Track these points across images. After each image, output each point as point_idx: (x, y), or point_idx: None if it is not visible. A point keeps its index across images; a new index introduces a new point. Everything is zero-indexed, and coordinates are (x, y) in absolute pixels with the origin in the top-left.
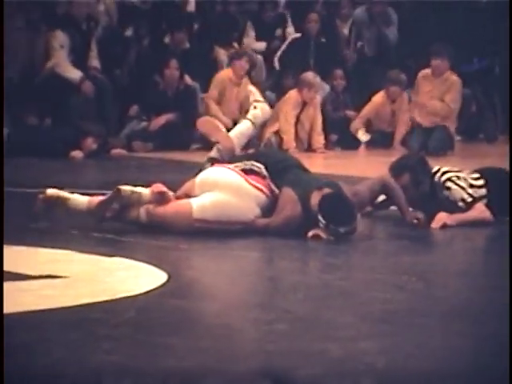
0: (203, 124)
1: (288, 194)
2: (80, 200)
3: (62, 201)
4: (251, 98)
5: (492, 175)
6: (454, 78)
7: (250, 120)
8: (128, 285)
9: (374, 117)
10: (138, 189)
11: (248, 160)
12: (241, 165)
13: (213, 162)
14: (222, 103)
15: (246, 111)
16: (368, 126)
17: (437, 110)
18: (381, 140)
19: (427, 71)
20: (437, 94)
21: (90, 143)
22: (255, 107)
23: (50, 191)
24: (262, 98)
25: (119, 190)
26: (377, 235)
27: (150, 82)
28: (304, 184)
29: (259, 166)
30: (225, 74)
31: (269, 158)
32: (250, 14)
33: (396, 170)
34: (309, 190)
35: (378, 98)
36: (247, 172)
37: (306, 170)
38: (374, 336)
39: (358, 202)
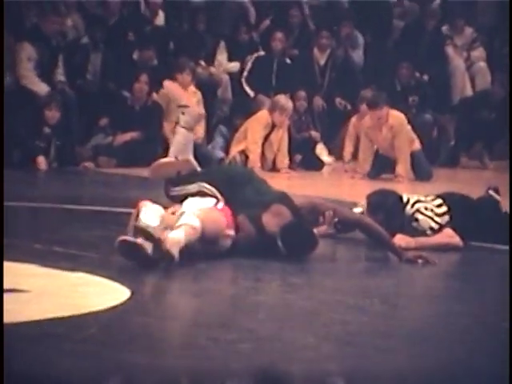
0: (156, 171)
1: (241, 221)
2: None
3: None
4: (173, 105)
5: (454, 202)
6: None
7: (183, 127)
8: (91, 300)
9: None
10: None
11: (201, 180)
12: (190, 188)
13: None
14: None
15: None
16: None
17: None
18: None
19: (368, 122)
20: (387, 142)
21: (41, 162)
22: (183, 113)
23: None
24: (185, 102)
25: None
26: (340, 257)
27: (118, 96)
28: (255, 205)
29: (209, 188)
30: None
31: (222, 175)
32: (223, 36)
33: (372, 206)
34: (259, 211)
35: (353, 119)
36: (194, 195)
37: (260, 182)
38: (335, 357)
39: (314, 211)
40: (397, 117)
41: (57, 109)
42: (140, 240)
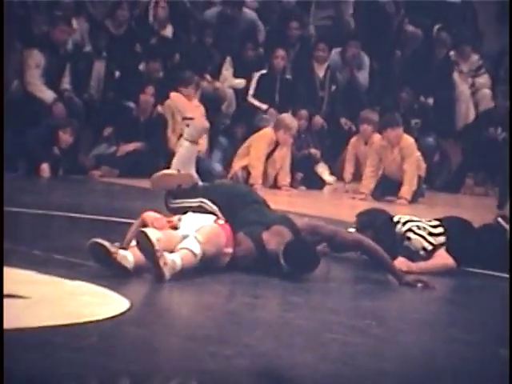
0: (157, 181)
1: (241, 237)
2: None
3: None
4: (179, 117)
5: (452, 224)
6: (408, 142)
7: (187, 139)
8: (90, 310)
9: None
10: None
11: (202, 196)
12: (191, 202)
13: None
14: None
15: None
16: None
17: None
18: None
19: (381, 141)
20: (396, 164)
21: (45, 169)
22: (187, 125)
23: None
24: (190, 114)
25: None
26: (338, 277)
27: (123, 107)
28: (255, 224)
29: (210, 205)
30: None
31: (224, 194)
32: (230, 51)
33: (361, 225)
34: (259, 229)
35: (353, 140)
36: (195, 210)
37: (262, 204)
38: (333, 378)
39: (314, 233)
40: (408, 140)
41: (71, 134)
42: (112, 245)
